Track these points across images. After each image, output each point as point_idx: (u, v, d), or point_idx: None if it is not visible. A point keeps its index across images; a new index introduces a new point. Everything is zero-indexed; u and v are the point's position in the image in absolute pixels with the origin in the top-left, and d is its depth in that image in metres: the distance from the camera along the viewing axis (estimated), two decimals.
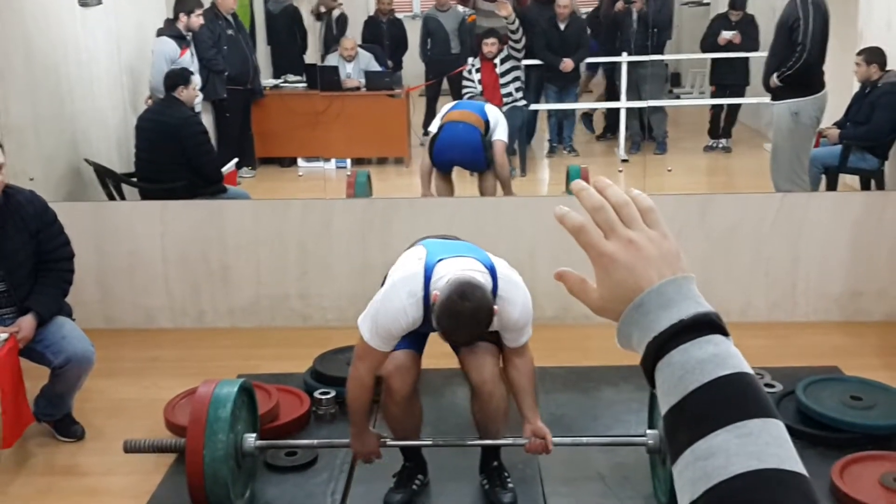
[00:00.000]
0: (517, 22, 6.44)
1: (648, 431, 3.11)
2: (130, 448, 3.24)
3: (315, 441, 3.44)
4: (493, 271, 2.83)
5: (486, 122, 5.47)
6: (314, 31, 7.57)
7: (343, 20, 7.62)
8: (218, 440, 2.96)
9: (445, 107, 5.77)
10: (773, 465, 0.68)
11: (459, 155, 5.58)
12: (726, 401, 0.72)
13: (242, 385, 3.17)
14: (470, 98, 6.16)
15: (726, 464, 0.68)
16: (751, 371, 0.74)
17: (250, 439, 3.16)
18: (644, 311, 0.78)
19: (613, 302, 0.80)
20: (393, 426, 3.13)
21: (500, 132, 5.49)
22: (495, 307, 2.73)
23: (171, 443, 3.26)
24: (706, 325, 0.76)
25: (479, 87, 6.35)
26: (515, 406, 3.04)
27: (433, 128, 5.62)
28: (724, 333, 0.76)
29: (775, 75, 5.33)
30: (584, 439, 3.31)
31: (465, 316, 2.65)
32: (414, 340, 3.06)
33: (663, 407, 0.75)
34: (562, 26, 6.95)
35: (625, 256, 0.79)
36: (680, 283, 0.78)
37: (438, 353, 3.26)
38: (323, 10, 7.57)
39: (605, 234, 0.81)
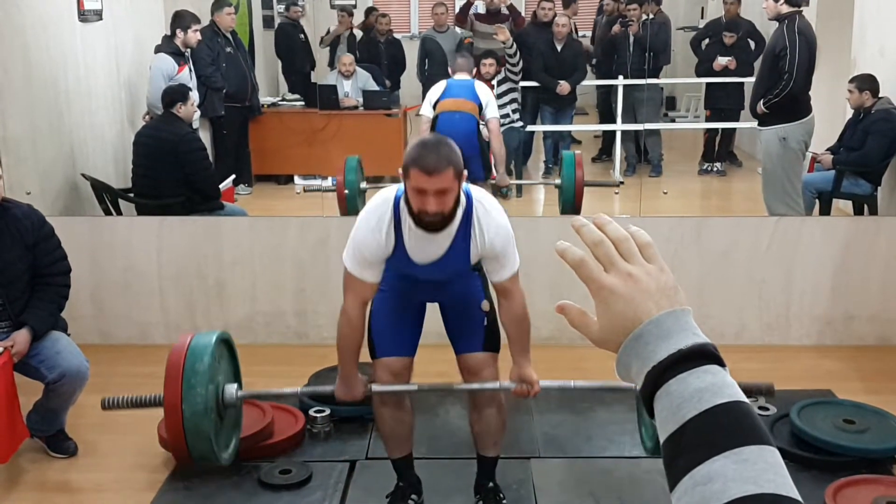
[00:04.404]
0: (514, 46, 6.52)
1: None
2: (109, 405, 3.12)
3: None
4: (468, 194, 2.88)
5: (479, 106, 5.52)
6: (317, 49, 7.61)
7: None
8: (197, 394, 2.87)
9: (435, 89, 5.63)
10: (769, 490, 0.70)
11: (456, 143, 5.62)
12: (723, 428, 0.73)
13: (220, 336, 3.10)
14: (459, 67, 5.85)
15: (724, 488, 0.70)
16: (746, 400, 0.76)
17: (231, 389, 3.08)
18: (643, 342, 0.80)
19: (613, 333, 0.82)
20: (385, 433, 3.16)
21: (492, 110, 5.58)
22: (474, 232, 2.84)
23: (151, 398, 3.11)
24: (703, 355, 0.78)
25: None
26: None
27: (424, 111, 5.62)
28: (721, 364, 0.78)
29: (762, 101, 5.38)
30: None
31: (430, 142, 2.79)
32: (407, 334, 3.07)
33: (662, 435, 0.77)
34: (559, 47, 7.00)
35: (624, 289, 0.82)
36: (678, 315, 0.80)
37: (434, 373, 3.27)
38: (330, 31, 7.61)
39: (605, 268, 0.83)
